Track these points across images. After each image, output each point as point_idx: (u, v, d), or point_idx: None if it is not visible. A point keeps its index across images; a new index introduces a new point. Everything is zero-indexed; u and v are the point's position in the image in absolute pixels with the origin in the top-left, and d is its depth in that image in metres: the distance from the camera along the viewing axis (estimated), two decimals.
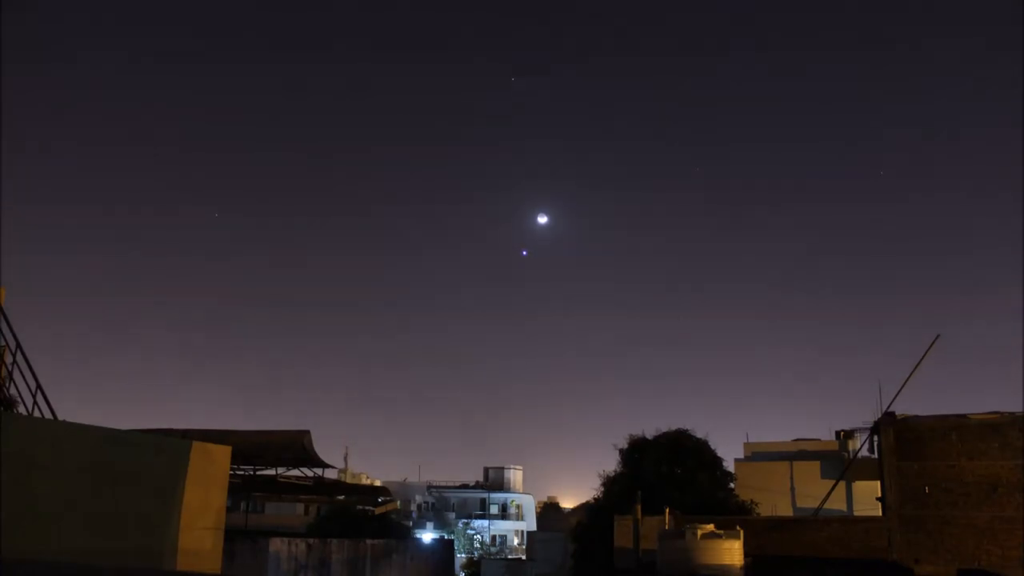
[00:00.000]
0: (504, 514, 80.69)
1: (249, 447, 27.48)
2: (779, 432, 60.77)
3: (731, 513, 26.64)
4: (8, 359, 15.93)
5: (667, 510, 22.75)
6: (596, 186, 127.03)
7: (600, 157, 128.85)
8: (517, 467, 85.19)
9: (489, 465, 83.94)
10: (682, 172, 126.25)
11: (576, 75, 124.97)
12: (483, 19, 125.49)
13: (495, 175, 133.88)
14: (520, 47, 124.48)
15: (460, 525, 75.60)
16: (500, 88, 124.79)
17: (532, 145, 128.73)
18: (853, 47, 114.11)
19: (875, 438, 23.96)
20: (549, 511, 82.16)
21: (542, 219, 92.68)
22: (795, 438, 38.44)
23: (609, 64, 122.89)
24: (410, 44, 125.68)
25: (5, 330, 16.04)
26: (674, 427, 30.79)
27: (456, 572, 47.15)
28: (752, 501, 29.94)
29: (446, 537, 57.75)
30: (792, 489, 34.34)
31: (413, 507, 79.53)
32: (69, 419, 14.96)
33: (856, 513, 30.38)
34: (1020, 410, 21.43)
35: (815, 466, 34.73)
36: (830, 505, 28.15)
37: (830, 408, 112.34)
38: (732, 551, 19.52)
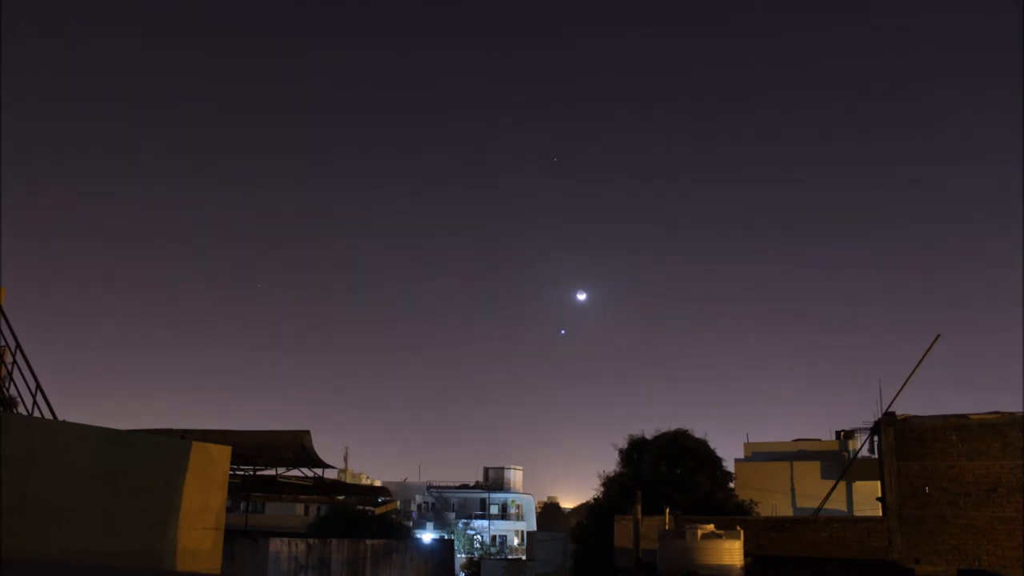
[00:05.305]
0: (504, 514, 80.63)
1: (249, 447, 27.44)
2: (779, 432, 60.82)
3: (731, 513, 26.61)
4: (8, 359, 15.92)
5: (667, 510, 22.73)
6: (637, 263, 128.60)
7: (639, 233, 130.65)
8: (517, 467, 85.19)
9: (489, 465, 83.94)
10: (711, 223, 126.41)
11: (614, 157, 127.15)
12: (527, 99, 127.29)
13: (534, 250, 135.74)
14: (561, 126, 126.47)
15: (460, 525, 75.55)
16: (550, 179, 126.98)
17: (571, 221, 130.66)
18: (852, 53, 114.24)
19: (875, 438, 23.92)
20: (549, 511, 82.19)
21: (581, 296, 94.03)
22: (795, 438, 38.42)
23: (647, 144, 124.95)
24: (451, 120, 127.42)
25: (5, 330, 16.05)
26: (674, 427, 30.82)
27: (456, 572, 47.11)
28: (752, 501, 29.91)
29: (446, 537, 57.71)
30: (792, 489, 34.31)
31: (413, 507, 79.49)
32: (69, 419, 14.97)
33: (856, 513, 30.35)
34: (1020, 410, 21.41)
35: (815, 466, 34.69)
36: (830, 505, 28.13)
37: (830, 408, 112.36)
38: (732, 551, 19.49)
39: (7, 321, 16.11)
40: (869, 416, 26.93)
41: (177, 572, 14.78)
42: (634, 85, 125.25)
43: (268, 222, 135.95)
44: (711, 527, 20.10)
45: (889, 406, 23.27)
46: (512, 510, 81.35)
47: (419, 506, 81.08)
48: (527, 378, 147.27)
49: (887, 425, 22.17)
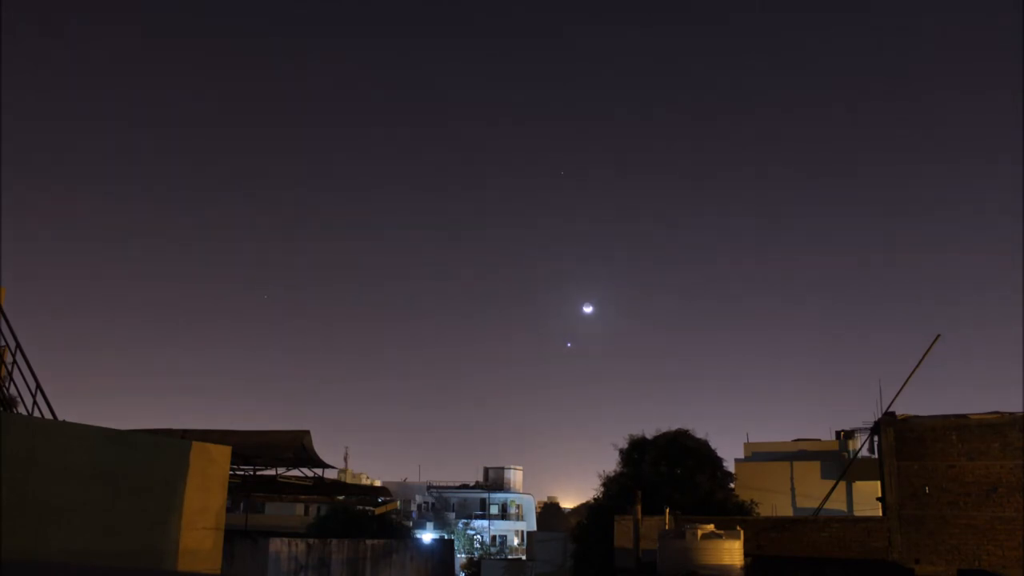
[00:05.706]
0: (504, 514, 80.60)
1: (249, 447, 27.44)
2: (779, 432, 60.84)
3: (731, 513, 26.60)
4: (8, 359, 15.93)
5: (667, 510, 22.73)
6: (641, 272, 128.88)
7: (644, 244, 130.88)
8: (517, 467, 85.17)
9: (489, 465, 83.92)
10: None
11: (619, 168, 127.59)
12: (527, 99, 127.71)
13: (543, 265, 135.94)
14: (561, 126, 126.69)
15: (460, 525, 75.53)
16: (551, 179, 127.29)
17: (571, 221, 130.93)
18: (852, 53, 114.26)
19: (875, 438, 23.91)
20: (549, 511, 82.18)
21: (587, 308, 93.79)
22: (795, 438, 38.42)
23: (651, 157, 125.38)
24: (451, 120, 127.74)
25: (5, 330, 16.05)
26: (674, 427, 30.81)
27: (456, 572, 47.11)
28: (752, 501, 29.90)
29: (446, 537, 57.70)
30: (792, 489, 34.31)
31: (413, 507, 79.47)
32: (69, 419, 14.97)
33: (856, 513, 30.35)
34: (1020, 410, 21.40)
35: (815, 466, 34.70)
36: (830, 505, 28.12)
37: (830, 408, 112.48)
38: (732, 551, 19.48)
39: (7, 321, 16.12)
40: (869, 416, 26.95)
41: (177, 572, 14.79)
42: (634, 85, 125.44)
43: (268, 222, 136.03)
44: (711, 527, 20.10)
45: (889, 406, 23.27)
46: (512, 510, 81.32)
47: (419, 506, 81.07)
48: (527, 378, 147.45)
49: (887, 425, 22.16)
